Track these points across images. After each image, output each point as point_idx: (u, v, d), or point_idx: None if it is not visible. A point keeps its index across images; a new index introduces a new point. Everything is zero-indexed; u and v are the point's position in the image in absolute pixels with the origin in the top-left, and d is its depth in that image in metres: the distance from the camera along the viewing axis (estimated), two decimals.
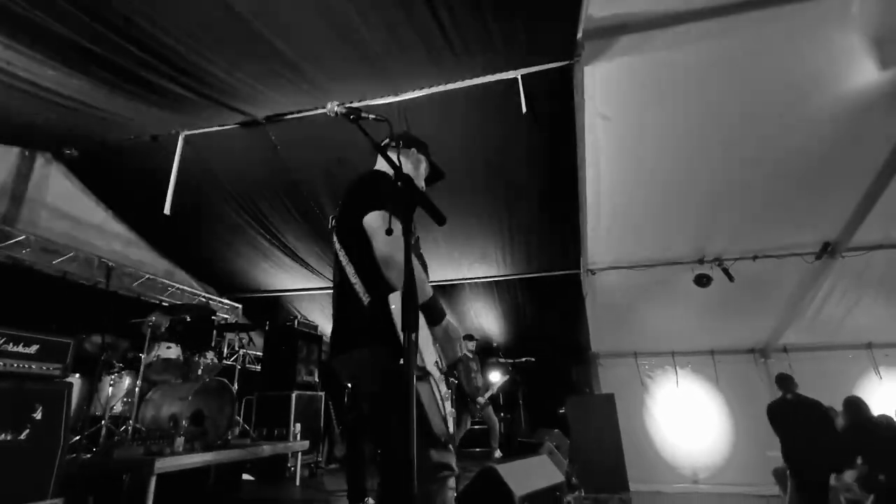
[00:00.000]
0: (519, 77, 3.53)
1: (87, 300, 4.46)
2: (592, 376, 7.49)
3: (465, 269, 6.03)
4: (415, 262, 1.32)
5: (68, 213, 5.17)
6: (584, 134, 4.18)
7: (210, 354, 4.27)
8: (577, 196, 4.76)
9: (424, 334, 1.45)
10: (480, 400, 5.75)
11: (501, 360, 7.31)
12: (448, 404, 1.47)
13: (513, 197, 4.80)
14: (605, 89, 3.75)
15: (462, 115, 4.04)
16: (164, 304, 5.23)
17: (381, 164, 1.87)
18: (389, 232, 1.37)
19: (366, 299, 1.50)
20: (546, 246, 5.49)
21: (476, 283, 6.32)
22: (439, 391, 1.35)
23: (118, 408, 3.61)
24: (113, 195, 5.36)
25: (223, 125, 4.26)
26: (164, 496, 3.57)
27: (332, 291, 1.70)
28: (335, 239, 1.72)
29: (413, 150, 1.98)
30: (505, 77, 3.56)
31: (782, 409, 4.99)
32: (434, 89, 3.79)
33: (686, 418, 7.32)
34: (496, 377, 6.65)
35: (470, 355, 6.01)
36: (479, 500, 2.13)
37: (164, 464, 2.86)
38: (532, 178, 4.59)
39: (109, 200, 5.41)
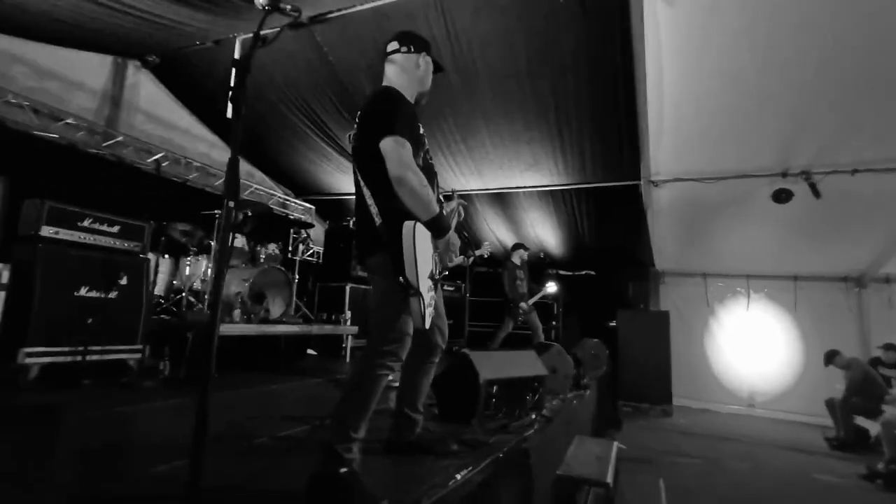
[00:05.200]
0: None
1: (176, 194, 5.18)
2: (650, 293, 7.28)
3: (518, 176, 5.90)
4: (423, 178, 1.63)
5: (160, 117, 5.82)
6: (643, 26, 3.69)
7: (272, 246, 4.86)
8: (634, 98, 4.32)
9: (424, 249, 1.64)
10: (524, 305, 5.92)
11: (559, 272, 7.32)
12: (433, 305, 1.73)
13: (561, 99, 4.48)
14: None
15: (501, 7, 3.74)
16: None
17: (389, 75, 1.91)
18: (402, 155, 1.59)
19: (378, 221, 1.69)
20: (601, 154, 5.13)
21: (530, 191, 6.19)
22: (424, 301, 1.59)
23: (197, 285, 4.35)
24: (193, 100, 5.89)
25: (273, 27, 4.39)
26: (240, 354, 4.42)
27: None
28: (353, 159, 1.84)
29: (419, 55, 1.94)
30: None
31: None
32: None
33: (751, 343, 6.97)
34: (552, 288, 6.66)
35: (518, 263, 6.10)
36: (453, 379, 2.37)
37: (221, 329, 3.47)
38: (582, 78, 4.21)
39: (191, 104, 5.96)
